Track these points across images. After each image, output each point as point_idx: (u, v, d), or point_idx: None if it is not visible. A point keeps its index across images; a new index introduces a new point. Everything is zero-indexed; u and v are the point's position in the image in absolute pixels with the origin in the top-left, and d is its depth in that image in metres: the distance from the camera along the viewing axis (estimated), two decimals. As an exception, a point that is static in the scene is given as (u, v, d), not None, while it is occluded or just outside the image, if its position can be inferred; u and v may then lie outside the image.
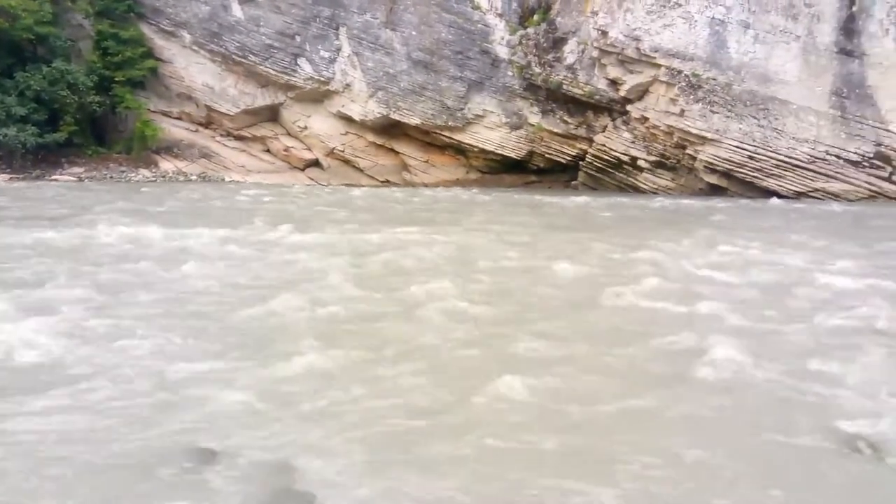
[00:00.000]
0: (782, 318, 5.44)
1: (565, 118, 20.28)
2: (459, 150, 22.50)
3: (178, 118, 23.36)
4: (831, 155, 15.58)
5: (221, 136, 23.52)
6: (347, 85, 21.88)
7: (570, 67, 19.29)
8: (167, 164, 22.47)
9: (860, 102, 15.22)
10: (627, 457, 3.14)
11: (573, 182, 21.38)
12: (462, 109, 21.23)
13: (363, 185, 21.75)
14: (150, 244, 8.55)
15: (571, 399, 3.84)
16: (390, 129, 22.46)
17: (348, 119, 22.36)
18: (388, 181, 22.57)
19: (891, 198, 15.08)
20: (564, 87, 19.41)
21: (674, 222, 12.28)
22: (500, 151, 21.48)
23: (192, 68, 22.56)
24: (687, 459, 3.14)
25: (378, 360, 4.37)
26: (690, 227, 11.10)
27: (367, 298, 5.95)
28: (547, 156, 21.20)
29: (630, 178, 19.51)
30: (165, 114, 23.21)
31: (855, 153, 15.32)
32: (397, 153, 22.87)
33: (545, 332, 5.13)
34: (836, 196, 15.68)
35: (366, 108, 21.76)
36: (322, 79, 21.93)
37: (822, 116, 15.53)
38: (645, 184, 19.13)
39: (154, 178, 21.25)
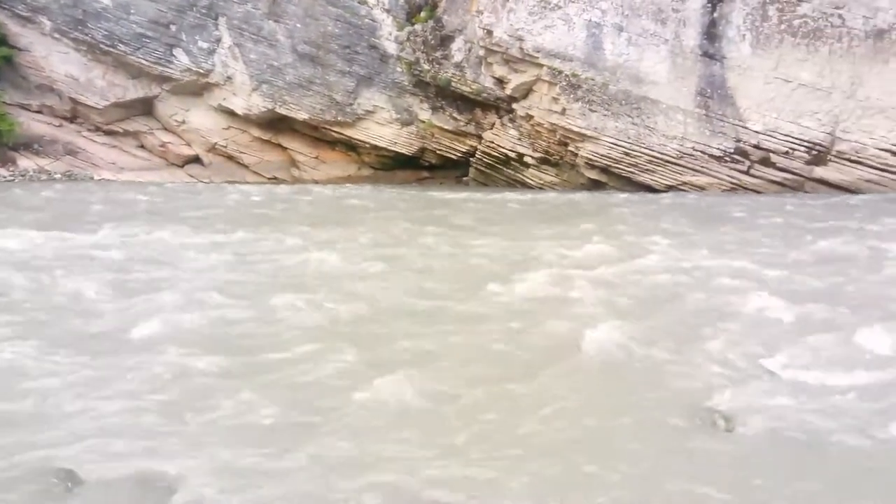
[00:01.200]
0: (655, 302, 5.76)
1: (455, 115, 20.53)
2: (350, 147, 22.20)
3: (39, 111, 21.40)
4: (697, 151, 16.78)
5: (89, 130, 21.79)
6: (229, 77, 20.95)
7: (457, 65, 19.53)
8: (26, 162, 20.54)
9: (722, 102, 16.49)
10: (501, 442, 3.20)
11: (465, 178, 21.70)
12: (352, 105, 20.95)
13: (249, 183, 20.93)
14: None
15: (445, 391, 3.86)
16: (277, 124, 21.76)
17: (231, 113, 21.42)
18: (275, 178, 21.88)
19: (749, 189, 16.45)
20: (453, 84, 19.64)
21: (556, 217, 12.73)
22: (392, 148, 21.41)
23: (53, 58, 20.73)
24: (555, 437, 3.27)
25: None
26: (573, 220, 11.57)
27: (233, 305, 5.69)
28: (438, 152, 21.38)
29: (518, 174, 20.07)
30: (24, 107, 21.19)
31: (718, 149, 16.58)
32: (285, 149, 22.21)
33: (424, 326, 5.13)
34: (702, 189, 16.92)
35: (249, 101, 20.93)
36: (201, 71, 20.86)
37: (689, 115, 16.69)
38: (532, 179, 19.75)
39: (11, 178, 19.34)
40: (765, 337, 4.71)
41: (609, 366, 4.32)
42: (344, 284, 6.46)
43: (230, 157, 22.12)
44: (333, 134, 21.53)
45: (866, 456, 3.10)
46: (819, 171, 15.68)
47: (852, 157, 15.26)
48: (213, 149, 22.04)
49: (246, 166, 22.02)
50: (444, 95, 20.26)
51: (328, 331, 5.03)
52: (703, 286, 6.32)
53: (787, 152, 15.85)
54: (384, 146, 21.36)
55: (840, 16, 14.97)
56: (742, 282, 6.39)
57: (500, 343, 4.73)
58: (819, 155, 15.57)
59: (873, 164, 15.06)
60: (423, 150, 21.45)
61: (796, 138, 15.66)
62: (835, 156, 15.45)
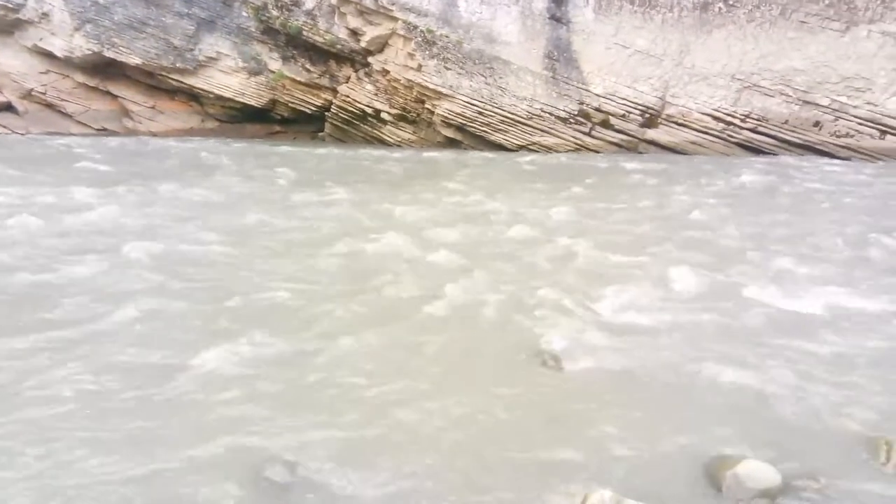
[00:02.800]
0: (505, 257, 5.93)
1: (308, 66, 19.65)
2: (192, 96, 20.56)
3: None
4: (546, 112, 17.44)
5: None
6: (44, 14, 18.42)
7: (309, 13, 18.61)
8: None
9: (567, 65, 17.20)
10: (345, 394, 3.17)
11: (320, 133, 20.98)
12: (192, 50, 19.32)
13: (73, 134, 18.76)
14: None
15: (290, 355, 3.74)
16: (105, 69, 19.58)
17: (49, 55, 18.93)
18: (104, 129, 19.76)
19: (590, 150, 17.45)
20: (305, 33, 18.72)
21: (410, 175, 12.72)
22: (239, 99, 20.12)
23: None
24: (405, 384, 3.37)
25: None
26: (424, 180, 11.61)
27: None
28: (291, 105, 20.42)
29: (375, 131, 19.74)
30: None
31: (563, 111, 17.35)
32: (116, 97, 20.09)
33: (275, 285, 4.92)
34: (549, 149, 17.69)
35: (71, 43, 18.59)
36: (10, 5, 18.16)
37: (538, 77, 17.26)
38: (389, 136, 19.53)
39: None
40: (594, 284, 5.03)
41: (457, 316, 4.42)
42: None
43: (50, 106, 19.61)
44: (172, 82, 19.78)
45: (680, 390, 3.42)
46: (651, 133, 16.96)
47: (679, 121, 16.65)
48: (28, 95, 19.40)
49: (70, 116, 19.66)
50: (296, 45, 19.28)
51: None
52: (547, 240, 6.62)
53: (623, 115, 16.95)
54: (230, 97, 20.00)
55: (672, -13, 16.08)
56: (579, 233, 6.79)
57: (357, 300, 4.67)
58: (651, 118, 16.82)
59: (697, 127, 16.54)
60: (273, 102, 20.38)
61: (632, 102, 16.79)
62: (665, 119, 16.78)
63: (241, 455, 2.72)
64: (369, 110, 19.17)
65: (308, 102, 20.17)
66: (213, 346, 3.71)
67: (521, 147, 17.88)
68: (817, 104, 15.39)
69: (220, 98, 20.14)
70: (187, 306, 4.44)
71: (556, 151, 17.55)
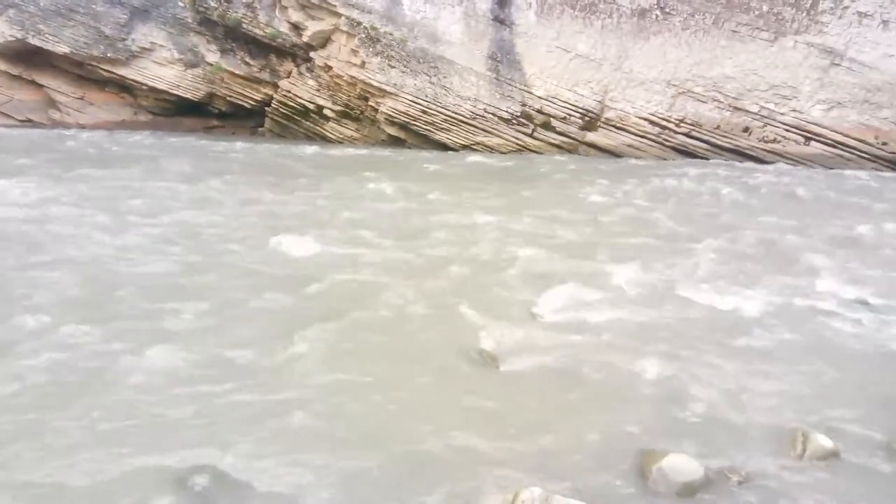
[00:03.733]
0: (440, 258, 5.91)
1: (247, 60, 19.15)
2: (124, 88, 19.75)
3: None
4: (489, 113, 17.56)
5: None
6: (-39, -4, 17.34)
7: (249, 6, 18.15)
8: None
9: (510, 67, 17.36)
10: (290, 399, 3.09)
11: (260, 129, 20.50)
12: (125, 40, 18.55)
13: (-6, 125, 17.74)
14: None
15: (217, 355, 3.61)
16: (31, 58, 18.58)
17: (-33, 40, 17.82)
18: (29, 120, 18.76)
19: (532, 151, 17.68)
20: (244, 26, 18.24)
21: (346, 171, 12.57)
22: (174, 92, 19.43)
23: None
24: (345, 382, 3.29)
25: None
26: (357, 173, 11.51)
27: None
28: (229, 99, 19.86)
29: (317, 127, 19.42)
30: None
31: (506, 112, 17.51)
32: (41, 87, 19.09)
33: (192, 284, 4.75)
34: (492, 149, 17.82)
35: (-8, 28, 17.56)
36: (-80, -16, 17.02)
37: (482, 77, 17.35)
38: (332, 133, 19.25)
39: None
40: (531, 284, 5.07)
41: (395, 317, 4.37)
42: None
43: (-32, 94, 18.50)
44: (102, 72, 18.93)
45: (611, 386, 3.47)
46: (591, 136, 17.31)
47: (618, 124, 17.06)
48: (-57, 82, 18.25)
49: (-10, 105, 18.59)
50: (235, 37, 18.76)
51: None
52: (481, 239, 6.63)
53: (564, 118, 17.24)
54: (165, 89, 19.29)
55: (611, -7, 16.45)
56: (514, 236, 6.85)
57: (287, 300, 4.55)
58: (591, 121, 17.17)
59: (634, 130, 16.99)
60: (211, 95, 19.77)
61: (572, 105, 17.09)
62: (603, 122, 17.15)
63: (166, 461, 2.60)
64: (311, 106, 18.85)
65: (247, 97, 19.67)
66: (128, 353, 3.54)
67: (465, 147, 17.94)
68: (747, 110, 16.05)
69: (153, 90, 19.41)
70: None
71: (499, 152, 17.70)
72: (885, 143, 15.19)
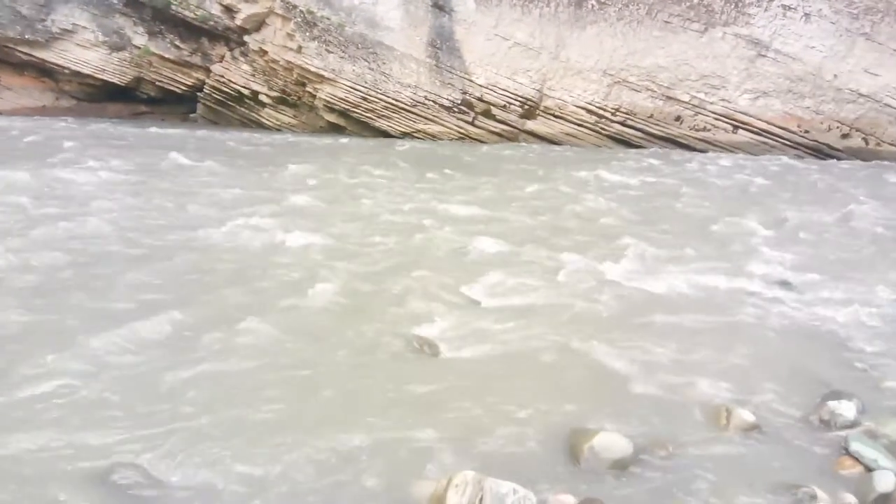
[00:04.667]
0: (373, 245, 5.84)
1: (177, 43, 18.45)
2: (45, 72, 18.69)
3: None
4: (429, 100, 17.50)
5: None
6: None
7: (179, -14, 17.46)
8: None
9: (450, 54, 17.33)
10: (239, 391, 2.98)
11: (192, 115, 19.81)
12: (44, 21, 17.56)
13: None
14: None
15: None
16: (-63, 37, 17.35)
17: None
18: (-61, 105, 17.55)
19: (473, 139, 17.74)
20: (173, 7, 17.54)
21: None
22: (99, 76, 18.54)
23: None
24: (278, 374, 3.18)
25: None
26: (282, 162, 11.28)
27: None
28: (159, 84, 19.11)
29: (253, 114, 18.93)
30: None
31: (447, 99, 17.49)
32: (-49, 69, 17.88)
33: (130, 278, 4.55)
34: (434, 137, 17.78)
35: None
36: None
37: (422, 64, 17.26)
38: (268, 120, 18.80)
39: None
40: (469, 271, 5.08)
41: (331, 307, 4.30)
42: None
43: None
44: (20, 55, 17.86)
45: (546, 369, 3.50)
46: (530, 125, 17.51)
47: (556, 113, 17.31)
48: None
49: None
50: (164, 20, 18.03)
51: None
52: (419, 227, 6.62)
53: (504, 106, 17.36)
54: (89, 73, 18.38)
55: (549, -18, 16.61)
56: (452, 223, 6.85)
57: (228, 287, 4.42)
58: (530, 109, 17.36)
59: (572, 119, 17.28)
60: (138, 80, 18.96)
61: (512, 93, 17.22)
62: (542, 111, 17.37)
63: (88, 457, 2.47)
64: (246, 92, 18.33)
65: (178, 82, 18.96)
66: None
67: (406, 135, 17.85)
68: (679, 100, 16.56)
69: (77, 74, 18.47)
70: None
71: (440, 139, 17.68)
72: (807, 131, 15.96)
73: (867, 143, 15.79)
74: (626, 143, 17.03)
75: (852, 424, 2.80)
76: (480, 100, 17.42)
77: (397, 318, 4.12)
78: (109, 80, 18.56)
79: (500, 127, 17.58)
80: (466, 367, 3.51)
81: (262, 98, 18.35)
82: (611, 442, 2.64)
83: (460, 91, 17.45)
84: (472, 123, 17.75)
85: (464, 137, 17.81)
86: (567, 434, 2.81)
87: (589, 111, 17.06)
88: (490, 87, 17.25)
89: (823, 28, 15.63)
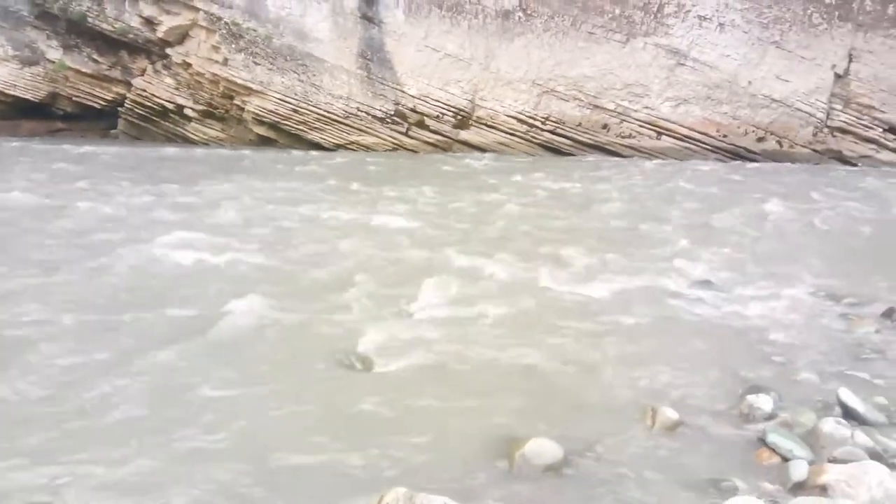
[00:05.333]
0: (302, 260, 5.73)
1: (95, 57, 17.71)
2: (-51, 88, 17.58)
3: None
4: (362, 111, 17.41)
5: None
6: None
7: (95, -2, 16.78)
8: None
9: (381, 65, 17.31)
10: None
11: (113, 131, 19.01)
12: (-54, 34, 16.51)
13: None
14: None
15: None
16: None
17: None
18: None
19: (408, 149, 17.75)
20: (90, 20, 16.84)
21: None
22: (10, 92, 17.57)
23: None
24: (203, 394, 3.04)
25: None
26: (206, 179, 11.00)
27: None
28: (76, 99, 18.27)
29: (178, 128, 18.33)
30: None
31: (380, 110, 17.45)
32: None
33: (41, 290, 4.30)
34: (368, 148, 17.69)
35: None
36: None
37: (353, 76, 17.16)
38: (195, 134, 18.25)
39: None
40: (403, 283, 5.05)
41: (262, 324, 4.18)
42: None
43: None
44: (-80, 69, 16.76)
45: (480, 378, 3.50)
46: (464, 135, 17.66)
47: (488, 123, 17.53)
48: None
49: None
50: (80, 32, 17.27)
51: None
52: (349, 239, 6.55)
53: (437, 116, 17.45)
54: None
55: (476, -6, 16.85)
56: (385, 234, 6.81)
57: (148, 312, 4.22)
58: (463, 119, 17.52)
59: (504, 128, 17.53)
60: (54, 96, 18.07)
61: (445, 104, 17.34)
62: (475, 121, 17.56)
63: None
64: (171, 106, 17.75)
65: (96, 97, 18.18)
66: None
67: (339, 146, 17.68)
68: (605, 108, 17.06)
69: (-15, 90, 17.45)
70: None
71: (375, 151, 17.60)
72: (725, 136, 16.73)
73: (781, 145, 16.68)
74: (557, 151, 17.41)
75: (770, 417, 2.91)
76: (414, 110, 17.46)
77: (329, 334, 4.04)
78: (22, 96, 17.61)
79: (434, 137, 17.65)
80: (400, 380, 3.47)
81: (188, 112, 17.81)
82: (542, 447, 2.66)
83: (393, 102, 17.44)
84: (406, 134, 17.75)
85: (398, 148, 17.79)
86: (499, 443, 2.82)
87: (520, 120, 17.36)
88: (423, 97, 17.31)
89: (737, 37, 16.46)
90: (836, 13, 16.07)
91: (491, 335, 4.03)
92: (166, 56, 17.30)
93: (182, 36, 16.89)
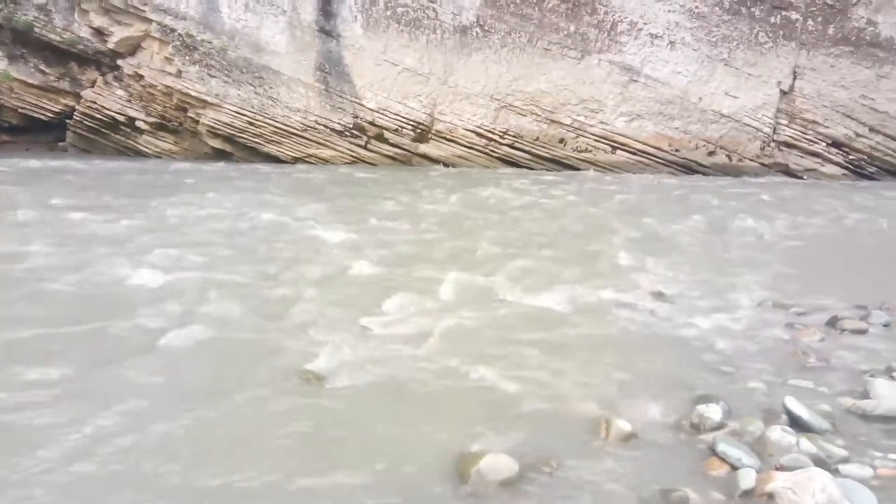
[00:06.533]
0: (252, 275, 5.62)
1: (42, 67, 17.18)
2: None
3: None
4: (320, 124, 17.29)
5: None
6: None
7: (42, 7, 16.32)
8: None
9: (339, 79, 17.24)
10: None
11: (61, 143, 18.43)
12: None
13: None
14: None
15: None
16: None
17: None
18: None
19: (367, 163, 17.69)
20: (37, 30, 16.35)
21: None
22: (-50, 103, 16.89)
23: None
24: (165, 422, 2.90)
25: None
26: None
27: None
28: (22, 111, 17.68)
29: (130, 141, 17.89)
30: None
31: (339, 123, 17.36)
32: None
33: None
34: (326, 161, 17.56)
35: None
36: None
37: (310, 88, 17.05)
38: (147, 147, 17.83)
39: None
40: (362, 297, 4.99)
41: (210, 343, 4.06)
42: None
43: None
44: None
45: (436, 393, 3.47)
46: (423, 148, 17.70)
47: (447, 136, 17.61)
48: None
49: None
50: (26, 42, 16.74)
51: None
52: (303, 253, 6.46)
53: (397, 129, 17.46)
54: (-61, 100, 16.73)
55: (434, 9, 16.97)
56: (340, 249, 6.75)
57: (100, 329, 4.07)
58: (422, 133, 17.56)
59: (463, 142, 17.63)
60: (-1, 107, 17.47)
61: (403, 117, 17.36)
62: (434, 134, 17.62)
63: None
64: (122, 118, 17.33)
65: (44, 108, 17.62)
66: None
67: (297, 160, 17.52)
68: (561, 123, 17.34)
69: (-78, 101, 16.74)
70: None
71: (334, 164, 17.49)
72: (677, 150, 17.17)
73: (730, 159, 17.21)
74: (516, 165, 17.59)
75: (719, 426, 2.96)
76: (373, 124, 17.43)
77: (279, 352, 3.95)
78: (-38, 107, 16.98)
79: (393, 150, 17.64)
80: (353, 397, 3.41)
81: (140, 124, 17.40)
82: (497, 463, 2.64)
83: (352, 115, 17.38)
84: (365, 147, 17.70)
85: (357, 161, 17.71)
86: (454, 460, 2.79)
87: (479, 134, 17.50)
88: (382, 111, 17.30)
89: (687, 55, 16.96)
90: (781, 32, 16.72)
91: (444, 350, 4.00)
92: (117, 67, 16.89)
93: (134, 47, 16.53)
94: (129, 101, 17.13)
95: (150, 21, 16.07)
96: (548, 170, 17.11)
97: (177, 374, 3.58)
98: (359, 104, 17.33)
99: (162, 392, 3.37)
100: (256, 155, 17.44)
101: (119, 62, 16.73)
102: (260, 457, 2.80)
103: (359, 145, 17.66)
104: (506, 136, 17.48)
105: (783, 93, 16.90)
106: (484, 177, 15.05)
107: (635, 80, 17.06)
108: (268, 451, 2.86)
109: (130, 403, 3.20)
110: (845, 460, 2.71)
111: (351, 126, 17.45)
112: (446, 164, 17.62)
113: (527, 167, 17.46)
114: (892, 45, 16.46)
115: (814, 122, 16.94)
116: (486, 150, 17.61)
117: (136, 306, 4.62)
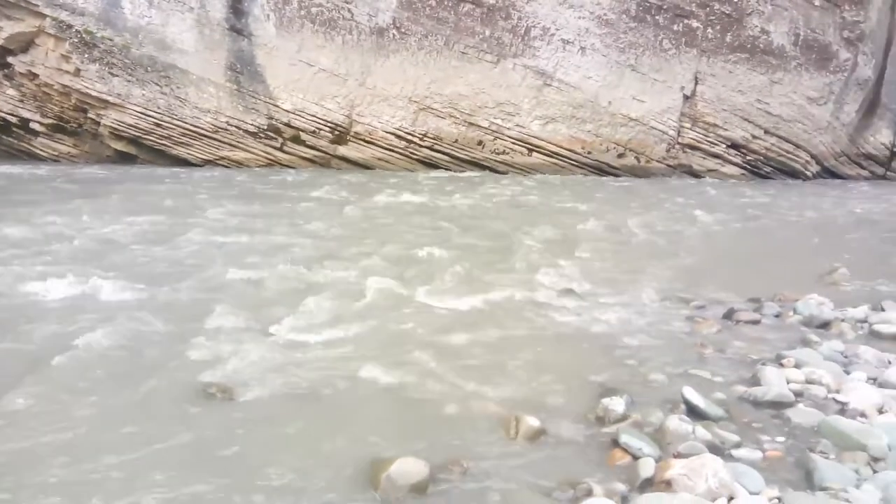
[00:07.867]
0: (157, 285, 5.37)
1: (-81, 63, 15.76)
2: None
3: None
4: (232, 126, 16.76)
5: None
6: None
7: (-83, -3, 14.97)
8: None
9: (252, 79, 16.76)
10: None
11: (-55, 146, 16.99)
12: None
13: None
14: None
15: None
16: None
17: None
18: None
19: (284, 165, 17.29)
20: (-89, 21, 14.97)
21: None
22: None
23: None
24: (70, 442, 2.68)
25: None
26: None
27: None
28: None
29: (23, 144, 16.72)
30: None
31: (252, 125, 16.87)
32: None
33: None
34: (240, 163, 17.03)
35: None
36: None
37: (221, 88, 16.48)
38: (43, 150, 16.71)
39: None
40: (270, 304, 4.85)
41: (107, 359, 3.84)
42: None
43: None
44: None
45: (345, 401, 3.42)
46: (342, 150, 17.48)
47: (367, 138, 17.47)
48: None
49: None
50: None
51: None
52: (208, 261, 6.24)
53: (314, 131, 17.16)
54: None
55: (349, 10, 16.80)
56: (245, 254, 6.56)
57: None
58: (341, 135, 17.35)
59: (383, 144, 17.55)
60: None
61: (321, 119, 17.09)
62: (353, 136, 17.44)
63: None
64: (14, 120, 16.16)
65: (-78, 108, 16.20)
66: None
67: (208, 162, 16.91)
68: (479, 125, 17.57)
69: None
70: None
71: (248, 166, 16.99)
72: (589, 153, 17.76)
73: (639, 161, 17.97)
74: (436, 167, 17.67)
75: (623, 418, 3.07)
76: (289, 125, 17.05)
77: (184, 364, 3.78)
78: None
79: (311, 153, 17.33)
80: (263, 408, 3.31)
81: (35, 126, 16.28)
82: (407, 467, 2.62)
83: (266, 116, 16.94)
84: (280, 149, 17.30)
85: (273, 164, 17.29)
86: (366, 465, 2.75)
87: (398, 136, 17.46)
88: (298, 112, 16.95)
89: (597, 60, 17.58)
90: (683, 39, 17.61)
91: (356, 355, 3.95)
92: (8, 65, 15.73)
93: (26, 44, 15.45)
94: (22, 101, 15.99)
95: (43, 16, 15.07)
96: (466, 172, 17.29)
97: (77, 391, 3.36)
98: (273, 105, 16.92)
99: (62, 409, 3.15)
100: (164, 157, 16.70)
101: (10, 60, 15.59)
102: (159, 475, 2.65)
103: (274, 147, 17.25)
104: (425, 139, 17.53)
105: (686, 97, 17.81)
106: (402, 178, 15.02)
107: (549, 85, 17.52)
108: (169, 467, 2.72)
109: (28, 423, 2.97)
110: (737, 445, 2.87)
111: (265, 127, 17.01)
112: (364, 167, 17.47)
113: (447, 168, 17.58)
114: (783, 52, 17.68)
115: (714, 125, 17.95)
116: (406, 152, 17.60)
117: (37, 319, 4.31)
